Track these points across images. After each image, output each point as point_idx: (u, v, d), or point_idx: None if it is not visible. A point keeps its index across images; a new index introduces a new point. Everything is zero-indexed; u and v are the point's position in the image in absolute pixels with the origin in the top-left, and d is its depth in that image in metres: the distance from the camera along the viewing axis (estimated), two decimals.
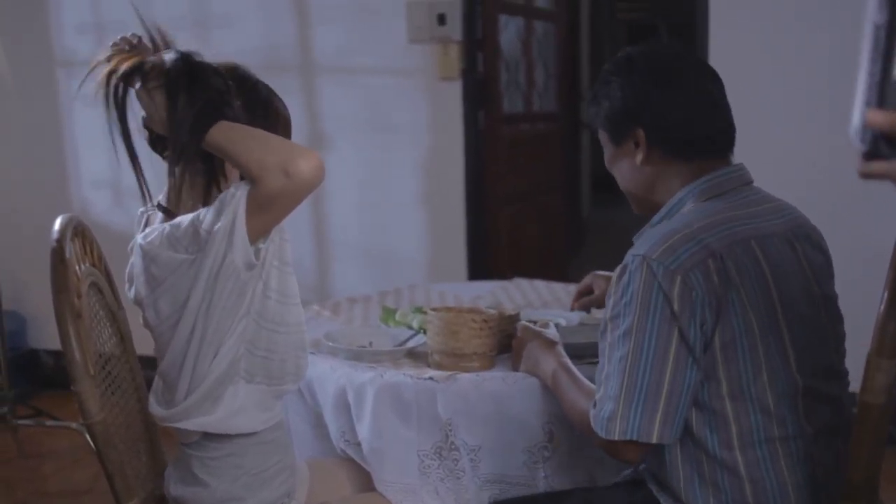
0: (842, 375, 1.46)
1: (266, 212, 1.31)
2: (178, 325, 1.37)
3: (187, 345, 1.38)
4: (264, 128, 1.39)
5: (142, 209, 1.52)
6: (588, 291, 1.98)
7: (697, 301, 1.28)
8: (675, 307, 1.28)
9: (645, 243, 1.34)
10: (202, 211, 1.34)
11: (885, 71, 0.92)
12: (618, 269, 1.37)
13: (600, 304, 1.94)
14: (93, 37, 3.79)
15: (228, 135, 1.31)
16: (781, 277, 1.36)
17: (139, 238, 1.41)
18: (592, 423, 1.35)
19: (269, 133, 1.34)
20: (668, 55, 1.49)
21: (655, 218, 1.46)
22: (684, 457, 1.37)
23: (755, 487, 1.33)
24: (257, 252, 1.34)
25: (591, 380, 1.46)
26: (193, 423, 1.43)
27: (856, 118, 0.91)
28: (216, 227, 1.30)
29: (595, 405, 1.35)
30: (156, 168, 1.47)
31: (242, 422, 1.44)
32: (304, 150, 1.30)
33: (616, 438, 1.31)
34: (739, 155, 1.51)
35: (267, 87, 1.51)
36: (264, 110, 1.48)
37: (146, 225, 1.48)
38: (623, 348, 1.32)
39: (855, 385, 1.28)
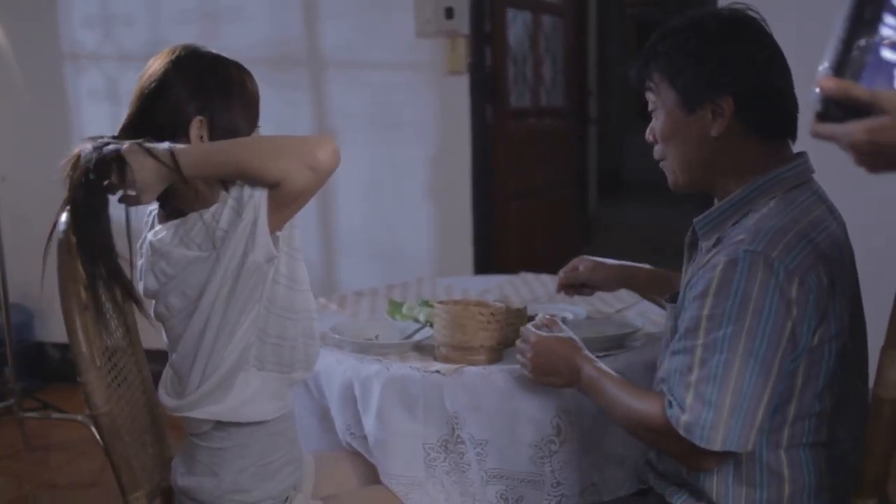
0: (867, 382, 1.40)
1: (288, 207, 1.32)
2: (191, 317, 1.37)
3: (201, 336, 1.37)
4: (221, 98, 1.39)
5: (151, 208, 1.51)
6: (574, 270, 1.90)
7: (811, 304, 1.22)
8: (795, 310, 1.21)
9: (757, 239, 1.23)
10: (214, 208, 1.33)
11: (848, 42, 0.95)
12: (723, 263, 1.24)
13: (584, 284, 1.89)
14: (100, 30, 3.79)
15: (234, 154, 1.29)
16: (855, 282, 1.33)
17: (149, 235, 1.40)
18: (683, 430, 1.23)
19: (264, 137, 1.34)
20: (757, 24, 1.35)
21: (726, 203, 1.35)
22: (722, 454, 1.28)
23: (794, 487, 1.30)
24: (276, 241, 1.34)
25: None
26: (205, 412, 1.42)
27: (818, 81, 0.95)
28: (237, 226, 1.29)
29: (683, 410, 1.23)
30: None
31: (253, 410, 1.44)
32: (318, 138, 1.30)
33: (717, 449, 1.22)
34: None
35: (227, 60, 1.46)
36: (213, 79, 1.42)
37: (154, 223, 1.48)
38: (728, 352, 1.21)
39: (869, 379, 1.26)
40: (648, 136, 1.44)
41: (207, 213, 1.33)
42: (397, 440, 1.62)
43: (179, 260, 1.35)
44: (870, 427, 1.21)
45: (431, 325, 1.84)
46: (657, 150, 1.43)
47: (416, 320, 1.92)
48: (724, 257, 1.25)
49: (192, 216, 1.35)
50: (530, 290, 2.34)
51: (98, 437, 1.51)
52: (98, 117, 3.81)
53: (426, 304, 2.00)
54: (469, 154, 3.53)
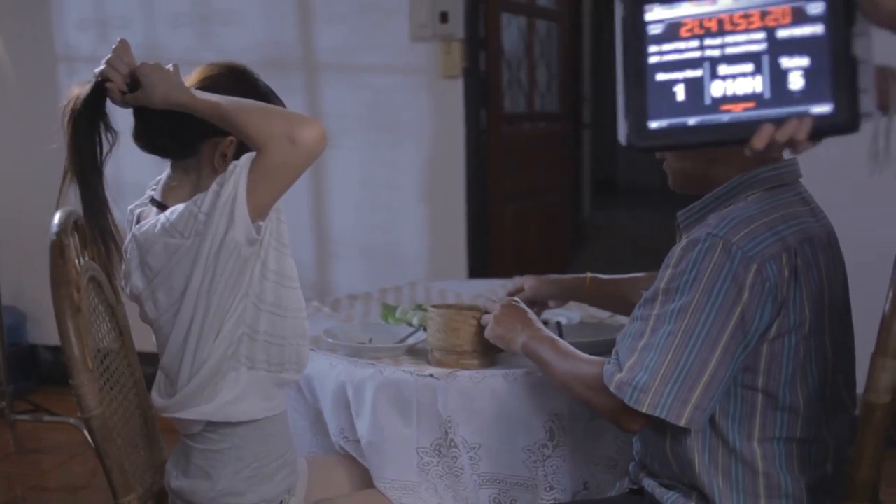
0: (854, 389, 1.43)
1: (269, 182, 1.31)
2: (178, 314, 1.37)
3: (188, 330, 1.38)
4: None
5: (131, 206, 1.51)
6: (520, 291, 1.91)
7: (768, 292, 1.25)
8: (745, 295, 1.24)
9: (721, 225, 1.28)
10: (199, 196, 1.34)
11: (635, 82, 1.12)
12: (684, 242, 1.31)
13: (532, 301, 1.89)
14: (94, 32, 3.79)
15: (232, 103, 1.33)
16: (829, 281, 1.35)
17: (134, 230, 1.41)
18: (614, 387, 1.30)
19: (269, 104, 1.36)
20: None
21: (709, 197, 1.40)
22: (699, 442, 1.35)
23: (769, 481, 1.33)
24: (258, 228, 1.34)
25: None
26: (194, 412, 1.42)
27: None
28: (217, 203, 1.30)
29: (621, 369, 1.30)
30: (145, 164, 1.47)
31: (243, 409, 1.44)
32: (307, 118, 1.31)
33: (643, 410, 1.27)
34: None
35: (266, 85, 1.50)
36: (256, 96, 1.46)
37: (138, 221, 1.47)
38: (674, 324, 1.27)
39: (859, 385, 1.27)
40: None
41: (190, 201, 1.34)
42: (390, 444, 1.62)
43: (164, 251, 1.35)
44: (860, 432, 1.21)
45: (425, 329, 1.84)
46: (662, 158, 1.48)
47: (410, 324, 1.92)
48: (688, 238, 1.31)
49: (175, 206, 1.36)
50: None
51: (90, 440, 1.51)
52: None
53: (419, 307, 2.00)
54: (463, 158, 3.53)
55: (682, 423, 1.28)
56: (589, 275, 1.91)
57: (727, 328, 1.25)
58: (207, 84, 1.43)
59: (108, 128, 1.41)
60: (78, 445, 3.24)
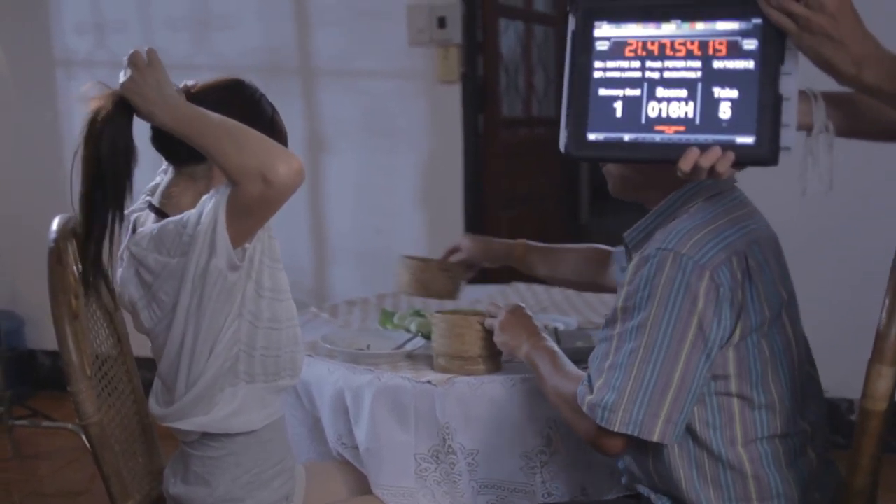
0: (816, 367, 1.47)
1: (247, 216, 1.30)
2: (170, 328, 1.37)
3: (181, 345, 1.38)
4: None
5: (126, 211, 1.51)
6: (455, 251, 1.97)
7: (724, 298, 1.27)
8: (700, 303, 1.26)
9: (668, 238, 1.31)
10: (187, 213, 1.33)
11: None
12: (636, 259, 1.34)
13: (466, 260, 1.95)
14: (92, 36, 3.79)
15: (211, 130, 1.28)
16: (781, 276, 1.39)
17: (128, 241, 1.40)
18: (586, 408, 1.31)
19: (248, 130, 1.30)
20: None
21: (652, 215, 1.43)
22: (684, 457, 1.36)
23: (759, 484, 1.34)
24: (241, 253, 1.33)
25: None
26: (191, 423, 1.42)
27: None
28: (197, 229, 1.30)
29: (591, 391, 1.32)
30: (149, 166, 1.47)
31: (241, 421, 1.44)
32: (284, 152, 1.28)
33: (616, 430, 1.29)
34: None
35: (270, 104, 1.50)
36: (269, 128, 1.45)
37: (135, 227, 1.47)
38: (635, 341, 1.29)
39: (856, 392, 1.27)
40: None
41: (179, 218, 1.34)
42: (388, 450, 1.62)
43: (155, 266, 1.35)
44: (857, 439, 1.22)
45: (423, 335, 1.84)
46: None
47: (408, 330, 1.92)
48: (639, 256, 1.33)
49: (166, 220, 1.36)
50: (521, 299, 2.34)
51: (88, 446, 1.51)
52: None
53: (417, 313, 2.00)
54: (461, 163, 3.53)
55: (654, 439, 1.29)
56: (522, 241, 1.98)
57: (687, 338, 1.27)
58: (211, 99, 1.40)
59: (130, 150, 1.35)
60: (76, 451, 3.23)
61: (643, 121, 1.17)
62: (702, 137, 1.14)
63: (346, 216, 3.67)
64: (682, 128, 1.15)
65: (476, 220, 3.59)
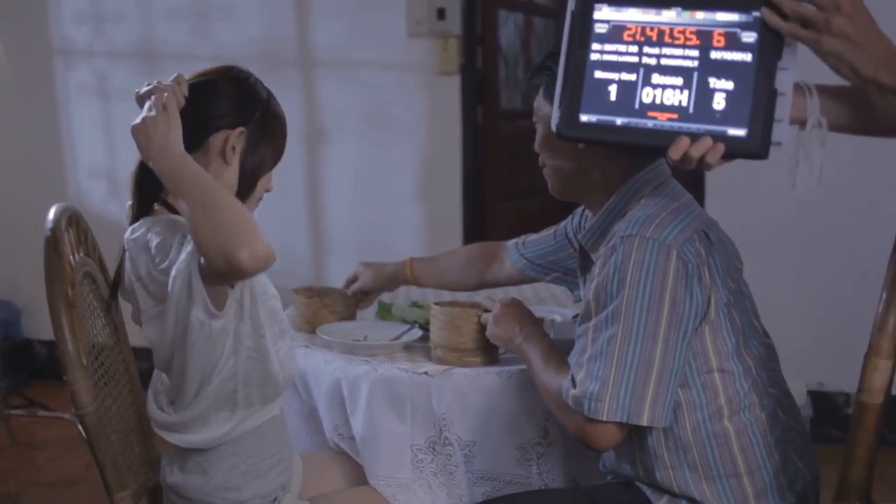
0: (771, 341, 1.50)
1: (216, 281, 1.29)
2: (171, 351, 1.39)
3: (171, 364, 1.40)
4: (261, 130, 1.43)
5: (130, 202, 1.50)
6: (355, 280, 1.98)
7: (692, 273, 1.29)
8: (671, 281, 1.28)
9: (630, 226, 1.33)
10: (169, 239, 1.34)
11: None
12: (602, 252, 1.36)
13: (361, 290, 1.97)
14: (90, 26, 3.78)
15: (193, 194, 1.25)
16: (732, 251, 1.43)
17: (127, 243, 1.41)
18: (572, 402, 1.32)
19: (229, 206, 1.25)
20: None
21: (603, 213, 1.46)
22: (669, 448, 1.37)
23: (745, 455, 1.36)
24: (222, 301, 1.32)
25: None
26: (181, 440, 1.44)
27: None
28: (176, 268, 1.30)
29: (574, 385, 1.32)
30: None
31: (236, 433, 1.45)
32: (251, 236, 1.21)
33: (603, 419, 1.29)
34: None
35: (266, 89, 1.50)
36: (263, 113, 1.46)
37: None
38: (611, 328, 1.30)
39: (852, 386, 1.27)
40: (536, 146, 1.54)
41: (163, 242, 1.35)
42: (385, 441, 1.62)
43: (144, 300, 1.39)
44: (853, 432, 1.22)
45: (420, 327, 1.84)
46: (540, 159, 1.54)
47: (405, 321, 1.92)
48: (605, 247, 1.35)
49: (155, 238, 1.36)
50: (519, 292, 2.34)
51: (84, 435, 1.51)
52: (87, 114, 3.78)
53: (415, 305, 2.00)
54: (459, 155, 3.53)
55: (644, 422, 1.29)
56: (409, 258, 1.99)
57: (662, 318, 1.28)
58: (206, 86, 1.42)
59: None
60: (72, 440, 3.23)
61: (637, 106, 1.17)
62: (694, 126, 1.14)
63: (344, 207, 3.67)
64: (674, 115, 1.15)
65: (475, 212, 3.58)
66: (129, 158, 1.66)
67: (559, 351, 1.50)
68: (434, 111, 3.52)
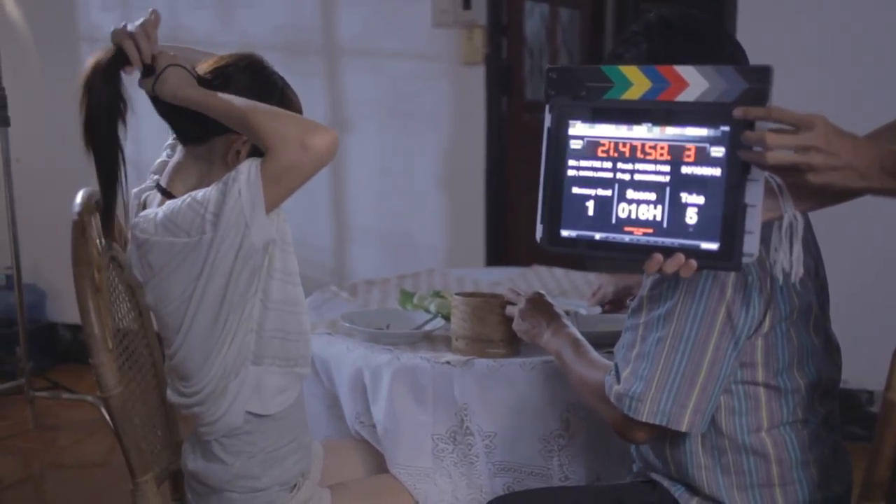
0: (840, 359, 1.46)
1: (276, 186, 1.29)
2: (184, 317, 1.36)
3: (203, 336, 1.36)
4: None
5: (136, 189, 1.50)
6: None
7: (752, 286, 1.26)
8: (729, 292, 1.25)
9: None
10: (200, 193, 1.32)
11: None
12: None
13: (612, 301, 1.96)
14: (118, 13, 3.79)
15: (246, 104, 1.31)
16: (818, 259, 1.38)
17: (132, 222, 1.39)
18: (613, 398, 1.31)
19: (282, 109, 1.34)
20: (707, 22, 1.36)
21: None
22: (706, 445, 1.35)
23: (781, 468, 1.33)
24: (269, 222, 1.33)
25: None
26: (208, 414, 1.43)
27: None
28: (224, 208, 1.28)
29: (618, 380, 1.31)
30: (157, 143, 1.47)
31: (257, 405, 1.44)
32: (320, 125, 1.30)
33: (643, 420, 1.28)
34: None
35: (281, 77, 1.48)
36: (280, 101, 1.44)
37: (145, 205, 1.46)
38: (662, 330, 1.28)
39: (876, 384, 1.26)
40: None
41: (190, 198, 1.32)
42: (406, 430, 1.63)
43: (168, 249, 1.33)
44: (879, 430, 1.21)
45: (443, 316, 1.84)
46: None
47: (427, 310, 1.91)
48: None
49: (173, 202, 1.34)
50: (542, 283, 2.34)
51: (108, 418, 1.52)
52: None
53: (437, 294, 2.00)
54: (483, 145, 3.52)
55: (683, 429, 1.28)
56: None
57: (715, 328, 1.26)
58: (220, 75, 1.41)
59: (120, 97, 1.40)
60: (95, 423, 3.27)
61: (613, 221, 1.20)
62: (668, 241, 1.16)
63: (367, 197, 3.67)
64: (650, 230, 1.18)
65: (497, 204, 3.58)
66: (154, 144, 1.67)
67: (587, 344, 1.49)
68: (458, 101, 3.51)
